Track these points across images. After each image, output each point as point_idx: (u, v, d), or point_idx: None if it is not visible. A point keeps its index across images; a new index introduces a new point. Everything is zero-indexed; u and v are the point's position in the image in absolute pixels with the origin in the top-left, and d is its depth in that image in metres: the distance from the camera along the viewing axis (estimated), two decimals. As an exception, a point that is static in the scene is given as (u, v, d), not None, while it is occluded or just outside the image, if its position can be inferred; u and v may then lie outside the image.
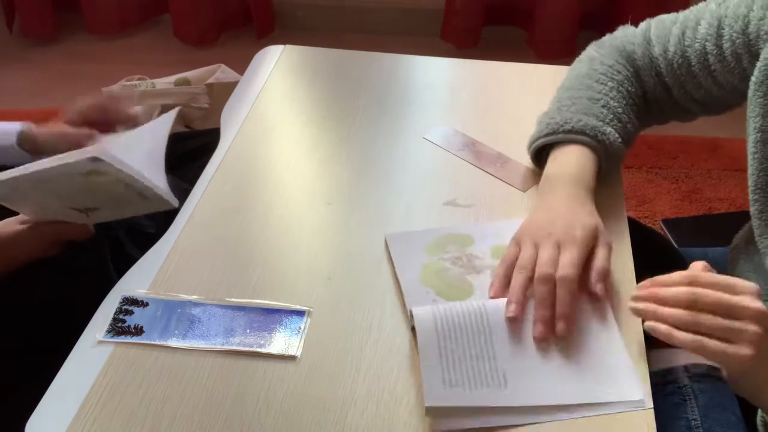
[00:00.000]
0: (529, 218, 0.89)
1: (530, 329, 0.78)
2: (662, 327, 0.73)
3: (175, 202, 0.97)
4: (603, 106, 0.96)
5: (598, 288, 0.80)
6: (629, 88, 1.00)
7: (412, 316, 0.79)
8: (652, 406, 0.73)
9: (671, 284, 0.76)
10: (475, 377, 0.74)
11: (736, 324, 0.72)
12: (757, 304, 0.73)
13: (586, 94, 0.98)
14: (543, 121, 0.98)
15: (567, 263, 0.80)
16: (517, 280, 0.81)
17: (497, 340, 0.77)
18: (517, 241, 0.85)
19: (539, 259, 0.81)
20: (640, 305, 0.76)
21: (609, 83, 0.99)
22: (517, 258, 0.83)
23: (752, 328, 0.72)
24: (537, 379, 0.75)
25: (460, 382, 0.73)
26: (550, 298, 0.78)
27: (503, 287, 0.82)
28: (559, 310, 0.78)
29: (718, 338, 0.72)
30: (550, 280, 0.79)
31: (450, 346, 0.76)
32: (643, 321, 0.77)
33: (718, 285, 0.74)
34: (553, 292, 0.79)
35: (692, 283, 0.75)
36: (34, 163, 0.89)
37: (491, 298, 0.82)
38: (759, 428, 0.82)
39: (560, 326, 0.78)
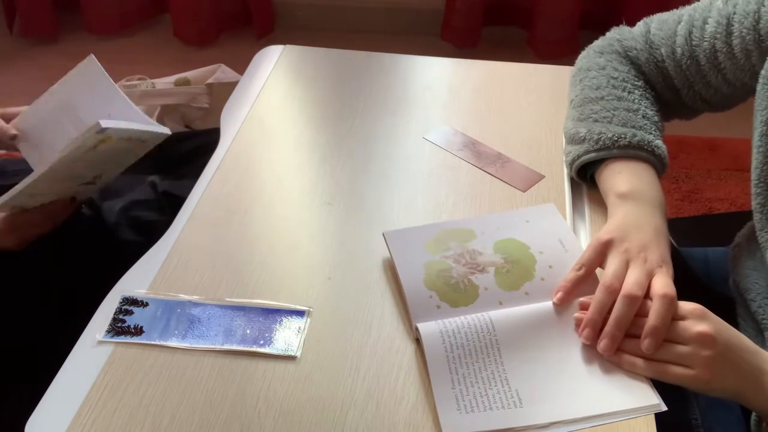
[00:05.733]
0: (618, 223, 0.85)
1: (538, 342, 0.78)
2: (627, 357, 0.75)
3: (166, 130, 0.98)
4: (643, 117, 0.95)
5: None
6: (652, 93, 0.99)
7: (417, 329, 0.79)
8: (666, 408, 0.73)
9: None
10: (489, 400, 0.73)
11: (688, 350, 0.74)
12: (701, 326, 0.74)
13: (621, 105, 0.96)
14: (588, 137, 0.94)
15: (663, 284, 0.77)
16: (602, 300, 0.77)
17: (507, 358, 0.77)
18: (603, 242, 0.82)
19: (631, 278, 0.78)
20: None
21: (636, 91, 0.98)
22: (599, 262, 0.81)
23: (703, 352, 0.73)
24: (551, 394, 0.74)
25: (474, 407, 0.73)
26: (630, 319, 0.76)
27: (576, 287, 0.80)
28: (654, 324, 0.75)
29: (675, 363, 0.74)
30: (636, 303, 0.76)
31: (462, 371, 0.75)
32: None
33: None
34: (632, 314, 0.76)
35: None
36: (43, 162, 0.90)
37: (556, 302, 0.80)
38: (752, 427, 0.82)
39: (648, 343, 0.74)
